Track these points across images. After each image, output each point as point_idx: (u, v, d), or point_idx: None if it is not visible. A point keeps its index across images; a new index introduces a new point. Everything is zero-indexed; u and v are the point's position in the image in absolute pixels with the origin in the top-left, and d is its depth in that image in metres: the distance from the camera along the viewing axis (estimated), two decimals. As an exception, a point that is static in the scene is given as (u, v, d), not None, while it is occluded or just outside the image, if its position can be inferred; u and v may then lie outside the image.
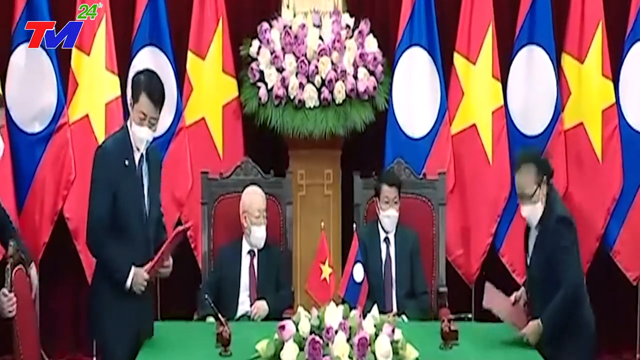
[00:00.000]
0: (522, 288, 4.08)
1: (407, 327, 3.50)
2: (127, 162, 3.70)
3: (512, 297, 4.05)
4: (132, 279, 3.76)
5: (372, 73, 5.23)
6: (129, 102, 3.80)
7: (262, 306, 4.56)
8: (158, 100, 3.75)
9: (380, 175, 4.79)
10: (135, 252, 3.77)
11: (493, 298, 4.00)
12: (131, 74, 4.61)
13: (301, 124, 5.09)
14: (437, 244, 4.92)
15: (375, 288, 4.58)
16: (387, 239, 4.69)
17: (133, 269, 3.77)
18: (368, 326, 3.33)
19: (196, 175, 5.13)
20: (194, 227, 5.22)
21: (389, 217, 4.66)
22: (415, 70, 5.32)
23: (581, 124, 5.29)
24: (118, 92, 5.18)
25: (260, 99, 5.15)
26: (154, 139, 3.86)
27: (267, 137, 5.25)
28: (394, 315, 4.14)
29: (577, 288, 3.83)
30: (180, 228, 3.89)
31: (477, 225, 5.37)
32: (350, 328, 3.28)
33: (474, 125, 5.31)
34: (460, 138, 5.34)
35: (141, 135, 3.74)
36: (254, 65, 5.20)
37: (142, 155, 3.78)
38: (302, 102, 5.11)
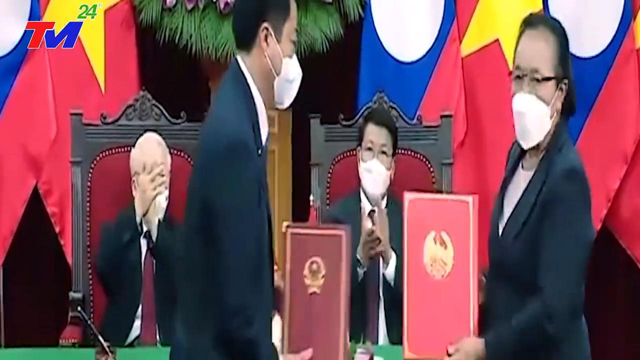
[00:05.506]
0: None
1: (392, 355, 3.48)
2: (259, 152, 3.21)
3: None
4: None
5: (338, -39, 5.26)
6: (269, 23, 3.10)
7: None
8: None
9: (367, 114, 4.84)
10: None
11: None
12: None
13: (229, 40, 5.01)
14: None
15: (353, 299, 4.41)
16: (372, 213, 4.61)
17: None
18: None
19: (63, 119, 5.10)
20: (61, 199, 5.22)
21: (370, 171, 4.59)
22: (406, -44, 5.39)
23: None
24: None
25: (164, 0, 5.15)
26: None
27: (176, 61, 5.20)
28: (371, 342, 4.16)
29: (559, 310, 3.19)
30: None
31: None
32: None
33: (496, 41, 5.30)
34: (475, 62, 5.36)
35: (297, 68, 3.24)
36: (154, -55, 5.26)
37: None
38: (230, 6, 5.02)
